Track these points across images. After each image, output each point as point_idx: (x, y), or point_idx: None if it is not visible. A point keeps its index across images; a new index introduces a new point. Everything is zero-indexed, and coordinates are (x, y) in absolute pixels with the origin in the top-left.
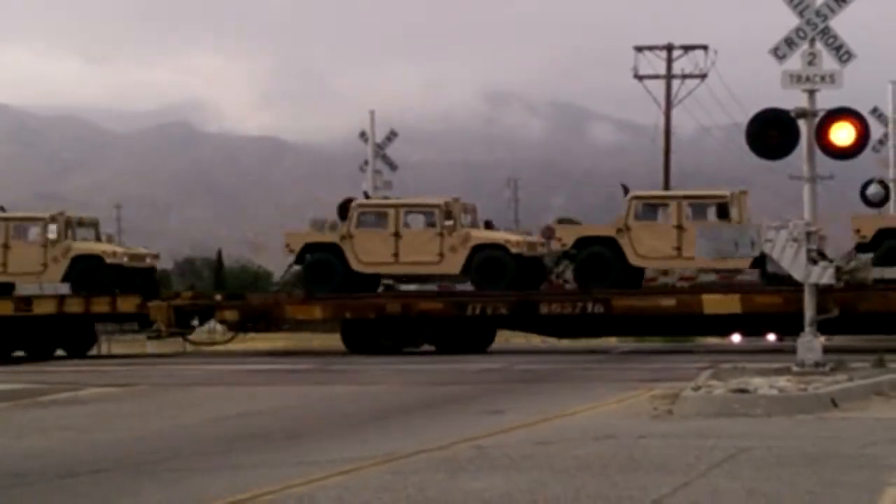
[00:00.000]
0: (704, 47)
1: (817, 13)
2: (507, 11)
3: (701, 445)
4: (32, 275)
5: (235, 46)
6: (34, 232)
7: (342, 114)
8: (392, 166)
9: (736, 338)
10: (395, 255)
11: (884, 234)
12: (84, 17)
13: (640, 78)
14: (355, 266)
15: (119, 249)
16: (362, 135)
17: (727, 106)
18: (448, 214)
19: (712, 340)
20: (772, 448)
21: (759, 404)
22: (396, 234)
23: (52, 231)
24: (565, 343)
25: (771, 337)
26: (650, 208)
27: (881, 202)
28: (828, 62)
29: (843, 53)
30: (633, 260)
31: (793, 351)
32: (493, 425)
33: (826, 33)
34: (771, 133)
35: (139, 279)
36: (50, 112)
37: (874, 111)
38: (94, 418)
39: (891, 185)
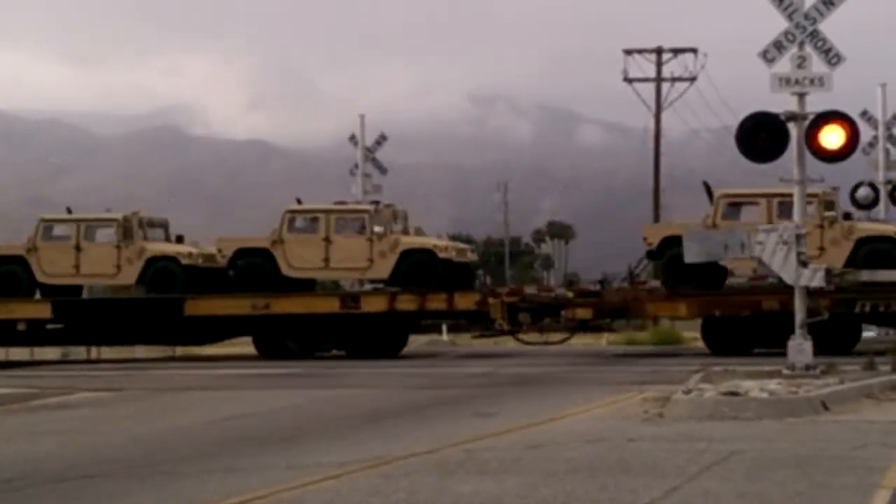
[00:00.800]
0: (694, 50)
1: (806, 16)
2: (494, 13)
3: (692, 448)
4: (357, 270)
5: (222, 50)
6: (355, 226)
7: (330, 117)
8: (382, 170)
9: None
10: None
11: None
12: (71, 21)
13: (629, 81)
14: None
15: (448, 243)
16: (352, 138)
17: (717, 109)
18: (829, 205)
19: (702, 343)
20: (763, 451)
21: (750, 407)
22: None
23: (378, 225)
24: (555, 346)
25: None
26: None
27: (871, 205)
28: (817, 65)
29: (832, 56)
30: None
31: (783, 354)
32: (483, 428)
33: (815, 36)
34: (761, 136)
35: (468, 275)
36: (38, 116)
37: (864, 114)
38: (85, 422)
39: (880, 187)
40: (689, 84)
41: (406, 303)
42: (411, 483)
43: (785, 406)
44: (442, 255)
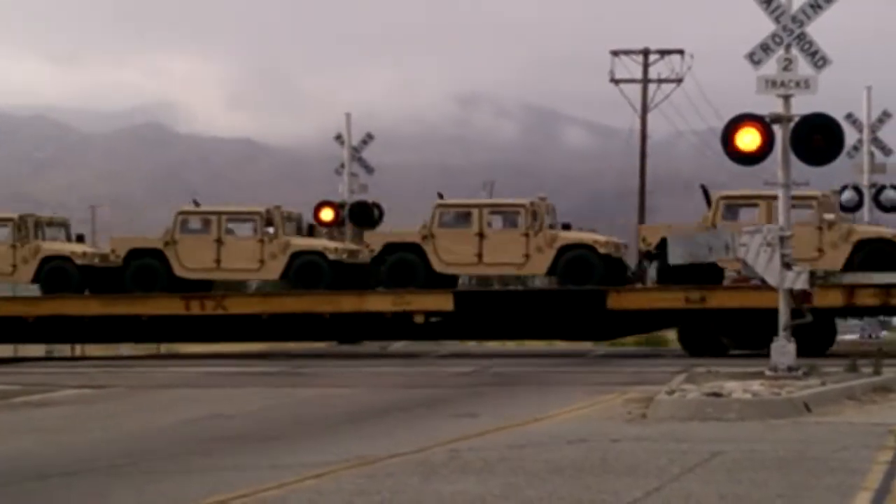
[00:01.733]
0: (681, 52)
1: (793, 19)
2: (478, 13)
3: (674, 449)
4: (807, 261)
5: (207, 47)
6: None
7: (315, 116)
8: (368, 169)
9: None
10: None
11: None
12: (55, 18)
13: (616, 82)
14: None
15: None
16: (338, 137)
17: (703, 110)
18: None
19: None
20: (745, 452)
21: (733, 408)
22: None
23: (830, 212)
24: (539, 346)
25: None
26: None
27: (855, 207)
28: (803, 68)
29: (818, 59)
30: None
31: (766, 356)
32: (466, 429)
33: (802, 39)
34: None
35: None
36: (22, 112)
37: (849, 117)
38: (67, 420)
39: (865, 190)
40: (675, 85)
41: (868, 297)
42: (395, 483)
43: (767, 407)
44: None
